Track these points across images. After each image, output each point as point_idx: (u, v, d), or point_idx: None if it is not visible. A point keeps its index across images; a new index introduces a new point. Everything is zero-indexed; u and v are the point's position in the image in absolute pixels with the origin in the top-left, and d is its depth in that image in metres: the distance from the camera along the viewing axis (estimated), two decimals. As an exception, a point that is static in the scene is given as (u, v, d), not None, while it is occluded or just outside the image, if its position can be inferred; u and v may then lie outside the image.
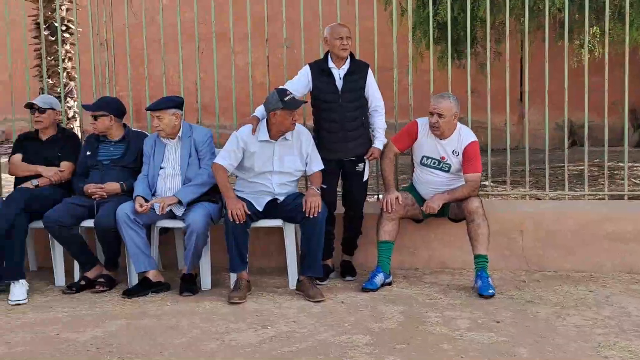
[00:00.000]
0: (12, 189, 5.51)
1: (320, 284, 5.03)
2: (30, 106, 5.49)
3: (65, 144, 5.53)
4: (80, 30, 9.25)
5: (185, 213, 5.08)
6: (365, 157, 5.15)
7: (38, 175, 5.40)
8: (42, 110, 5.47)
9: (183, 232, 5.14)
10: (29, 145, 5.54)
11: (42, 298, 5.10)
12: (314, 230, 4.85)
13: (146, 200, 5.06)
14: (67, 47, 9.58)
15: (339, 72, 5.07)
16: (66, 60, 9.88)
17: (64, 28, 9.66)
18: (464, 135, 4.98)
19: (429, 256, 5.42)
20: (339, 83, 5.07)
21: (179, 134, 5.25)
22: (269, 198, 5.05)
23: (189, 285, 5.08)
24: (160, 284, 5.13)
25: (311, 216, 4.82)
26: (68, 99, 9.90)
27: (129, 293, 5.04)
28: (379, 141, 5.17)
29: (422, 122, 5.07)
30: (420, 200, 5.12)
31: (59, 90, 9.80)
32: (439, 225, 5.31)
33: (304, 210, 4.83)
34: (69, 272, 5.37)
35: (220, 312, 4.69)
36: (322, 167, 5.10)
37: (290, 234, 5.10)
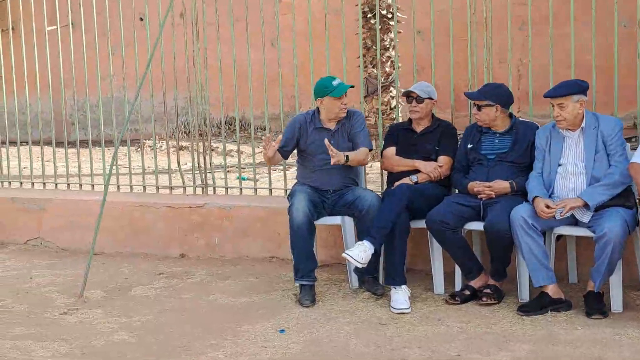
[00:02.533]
0: (386, 185, 5.13)
1: None
2: (408, 94, 5.03)
3: (443, 136, 5.01)
4: (405, 17, 8.94)
5: (595, 219, 4.27)
6: None
7: (415, 171, 4.94)
8: (420, 100, 4.99)
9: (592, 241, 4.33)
10: (403, 137, 5.10)
11: (425, 307, 4.63)
12: None
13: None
14: (392, 35, 9.26)
15: None
16: (390, 49, 9.61)
17: (389, 16, 9.39)
18: None
19: None
20: None
21: (582, 124, 4.44)
22: None
23: (599, 305, 4.28)
24: (561, 301, 4.40)
25: None
26: (391, 88, 9.66)
27: (526, 309, 4.37)
28: None
29: None
30: None
31: (383, 79, 9.65)
32: None
33: None
34: (448, 277, 4.87)
35: (651, 346, 3.84)
36: None
37: None
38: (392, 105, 9.63)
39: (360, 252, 4.50)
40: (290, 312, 4.63)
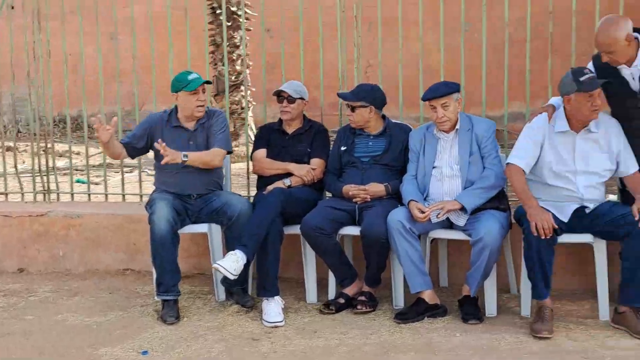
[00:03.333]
0: (257, 190, 4.83)
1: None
2: (278, 94, 4.76)
3: (315, 138, 4.79)
4: (255, 15, 8.66)
5: (471, 223, 4.22)
6: None
7: (287, 174, 4.69)
8: (291, 100, 4.74)
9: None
10: (274, 139, 4.83)
11: (299, 318, 4.38)
12: (646, 248, 3.88)
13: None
14: (242, 32, 8.98)
15: (630, 72, 3.98)
16: (242, 47, 9.32)
17: (240, 13, 9.09)
18: None
19: None
20: (635, 84, 4.00)
21: (457, 126, 4.38)
22: (575, 206, 4.12)
23: (475, 310, 4.23)
24: (437, 307, 4.31)
25: None
26: (242, 87, 9.35)
27: (403, 317, 4.24)
28: None
29: None
30: None
31: (233, 78, 9.33)
32: None
33: (638, 220, 3.86)
34: (320, 285, 4.65)
35: (530, 350, 3.81)
36: (638, 167, 4.13)
37: (602, 252, 4.15)
38: (243, 105, 9.32)
39: (232, 263, 4.17)
40: (152, 331, 4.22)
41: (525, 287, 4.23)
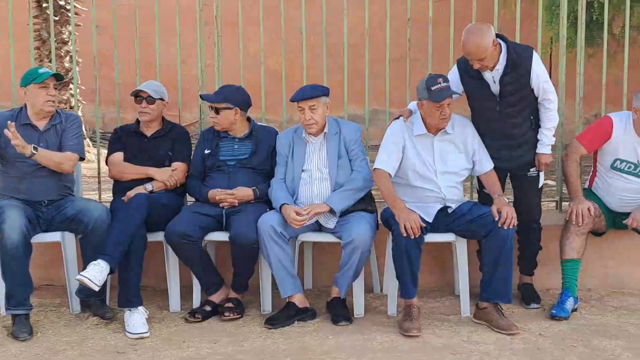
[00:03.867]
0: (113, 196, 4.55)
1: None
2: (137, 94, 4.53)
3: (176, 141, 4.61)
4: (85, 10, 8.22)
5: (341, 225, 4.26)
6: (534, 170, 4.38)
7: (148, 179, 4.47)
8: (151, 100, 4.53)
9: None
10: (131, 142, 4.58)
11: (165, 328, 4.19)
12: (504, 246, 4.09)
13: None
14: (71, 28, 8.49)
15: (492, 75, 4.21)
16: (70, 43, 8.81)
17: (68, 7, 8.59)
18: (668, 132, 4.31)
19: (604, 275, 4.75)
20: (496, 87, 4.24)
21: (325, 129, 4.40)
22: (439, 206, 4.28)
23: (344, 311, 4.27)
24: (307, 310, 4.30)
25: (508, 227, 4.07)
26: (71, 85, 8.84)
27: (274, 322, 4.19)
28: (545, 145, 4.33)
29: (619, 119, 4.35)
30: (607, 210, 4.45)
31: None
32: (614, 239, 4.65)
33: (497, 220, 4.08)
34: (183, 293, 4.49)
35: (402, 349, 3.90)
36: (493, 165, 4.34)
37: (463, 251, 4.34)
38: (72, 104, 8.80)
39: (96, 274, 3.91)
40: (4, 349, 3.86)
41: (392, 286, 4.34)
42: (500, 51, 4.14)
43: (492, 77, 4.19)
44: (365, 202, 4.35)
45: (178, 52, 5.11)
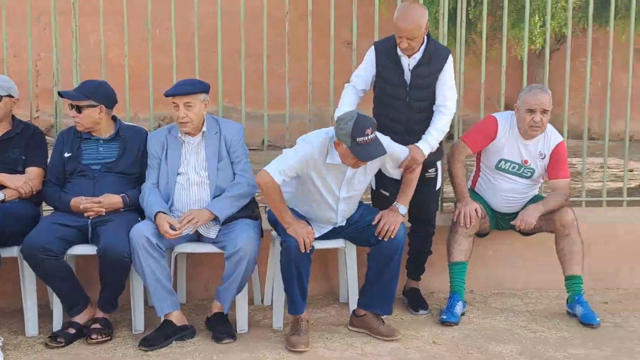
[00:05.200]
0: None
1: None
2: (-22, 90, 3.94)
3: (30, 143, 4.07)
4: None
5: (224, 234, 3.90)
6: (432, 171, 4.25)
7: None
8: (-5, 97, 3.96)
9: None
10: (-25, 145, 3.99)
11: (22, 356, 3.67)
12: (393, 256, 3.90)
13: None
14: None
15: (408, 62, 4.08)
16: None
17: None
18: (550, 134, 4.31)
19: (485, 276, 4.71)
20: (408, 75, 4.08)
21: (203, 128, 4.02)
22: (329, 228, 4.02)
23: (228, 327, 3.93)
24: (186, 328, 3.92)
25: (389, 238, 3.88)
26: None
27: (150, 343, 3.77)
28: (426, 142, 4.08)
29: (503, 119, 4.31)
30: (490, 211, 4.40)
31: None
32: (494, 240, 4.62)
33: (376, 232, 3.88)
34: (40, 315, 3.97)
35: (294, 366, 3.64)
36: (407, 151, 3.97)
37: (352, 257, 4.13)
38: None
39: None
40: None
41: (277, 298, 4.05)
42: (423, 41, 3.99)
43: (409, 64, 4.03)
44: (249, 209, 4.02)
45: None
